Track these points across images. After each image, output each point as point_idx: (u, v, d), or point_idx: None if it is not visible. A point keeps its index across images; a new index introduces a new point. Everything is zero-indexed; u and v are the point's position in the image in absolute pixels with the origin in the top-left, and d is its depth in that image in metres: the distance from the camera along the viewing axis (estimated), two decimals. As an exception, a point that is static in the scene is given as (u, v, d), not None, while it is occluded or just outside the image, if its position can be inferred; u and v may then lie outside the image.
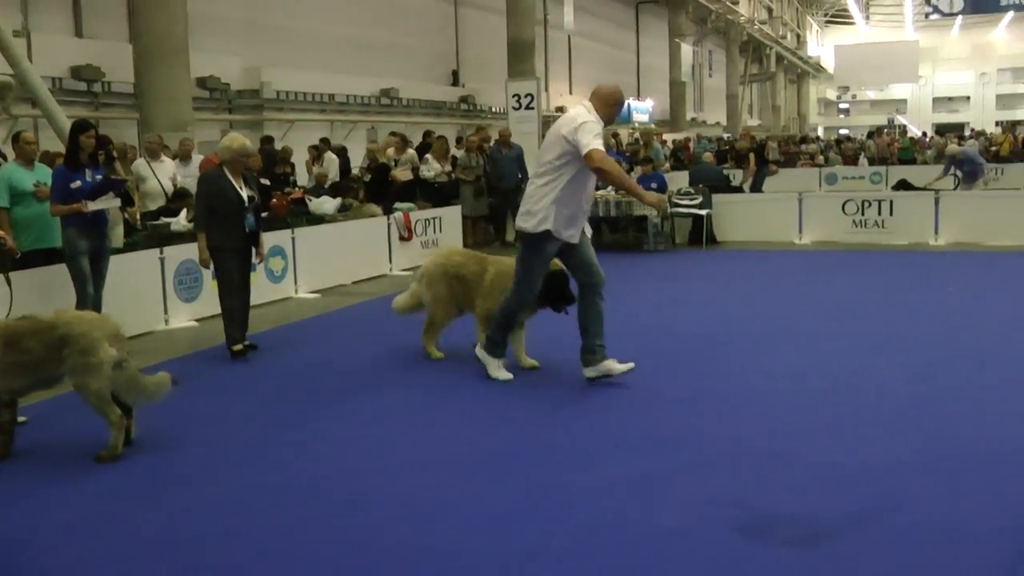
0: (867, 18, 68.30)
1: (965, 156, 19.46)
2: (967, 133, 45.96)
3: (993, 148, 30.57)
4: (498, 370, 7.32)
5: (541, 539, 4.40)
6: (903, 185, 19.86)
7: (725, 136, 39.35)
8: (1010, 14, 57.67)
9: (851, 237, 15.66)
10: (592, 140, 6.61)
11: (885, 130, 47.88)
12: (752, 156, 20.29)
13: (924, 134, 46.02)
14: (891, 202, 15.98)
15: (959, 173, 19.63)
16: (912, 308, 10.08)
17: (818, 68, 68.86)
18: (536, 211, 6.86)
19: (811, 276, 12.68)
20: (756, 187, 19.44)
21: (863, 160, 30.79)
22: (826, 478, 5.07)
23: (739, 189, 18.99)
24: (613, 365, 6.99)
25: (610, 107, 6.99)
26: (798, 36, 65.46)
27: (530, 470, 5.35)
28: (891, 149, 32.09)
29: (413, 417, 6.59)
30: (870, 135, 36.01)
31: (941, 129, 55.95)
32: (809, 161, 30.74)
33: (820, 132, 65.82)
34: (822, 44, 72.33)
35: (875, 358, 7.79)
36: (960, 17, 56.58)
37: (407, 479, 5.25)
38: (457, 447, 5.83)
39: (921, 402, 6.46)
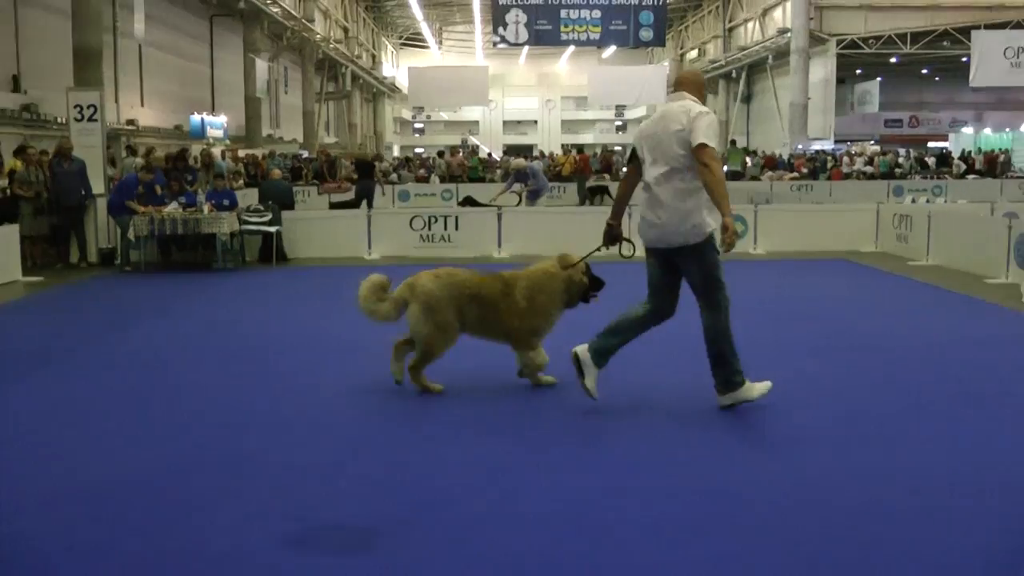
0: (440, 43, 70.74)
1: (531, 170, 20.20)
2: (535, 153, 48.69)
3: (557, 168, 32.29)
4: (752, 388, 6.41)
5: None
6: (469, 202, 20.35)
7: (303, 153, 38.86)
8: (571, 48, 61.90)
9: (419, 252, 15.83)
10: (709, 134, 6.11)
11: (460, 150, 49.70)
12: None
13: (490, 154, 48.18)
14: (457, 217, 16.25)
15: (521, 189, 20.28)
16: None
17: (393, 88, 70.35)
18: (694, 221, 6.19)
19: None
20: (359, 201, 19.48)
21: (435, 178, 31.52)
22: (374, 485, 5.09)
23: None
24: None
25: (704, 92, 6.59)
26: (374, 57, 66.48)
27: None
28: (461, 168, 33.11)
29: None
30: (440, 154, 37.04)
31: (511, 150, 59.03)
32: (383, 178, 30.94)
33: (396, 151, 67.34)
34: (397, 66, 74.06)
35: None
36: (526, 47, 59.95)
37: None
38: None
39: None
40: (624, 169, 6.81)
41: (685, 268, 6.37)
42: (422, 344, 6.88)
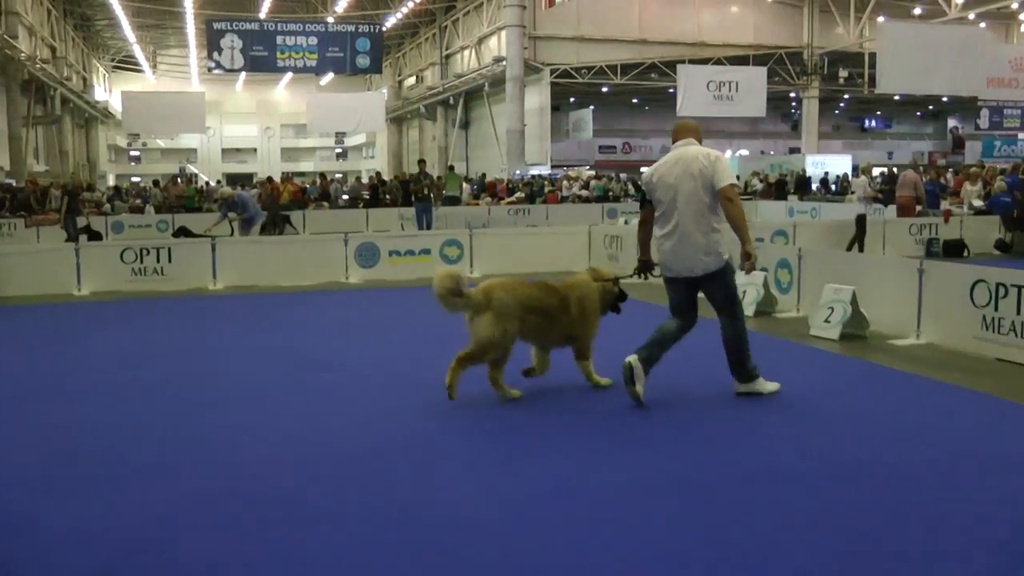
0: (154, 67, 68.51)
1: (239, 199, 19.95)
2: (255, 181, 48.04)
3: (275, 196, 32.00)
4: (765, 384, 7.62)
5: None
6: (183, 232, 19.96)
7: (11, 182, 36.67)
8: (289, 75, 61.48)
9: (132, 286, 15.34)
10: (730, 174, 7.28)
11: (179, 179, 48.28)
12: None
13: (207, 182, 47.18)
14: (169, 249, 15.94)
15: (235, 218, 19.96)
16: (190, 350, 10.14)
17: (107, 114, 67.49)
18: (716, 251, 7.31)
19: (88, 328, 12.12)
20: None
21: (150, 208, 30.64)
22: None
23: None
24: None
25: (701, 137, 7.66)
26: (85, 79, 63.61)
27: None
28: (179, 198, 32.33)
29: None
30: (155, 183, 36.03)
31: (231, 178, 57.92)
32: (95, 209, 29.80)
33: (111, 180, 64.55)
34: (110, 90, 71.07)
35: (148, 401, 7.72)
36: (243, 73, 59.04)
37: None
38: None
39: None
40: (640, 209, 7.93)
41: (709, 291, 7.51)
42: (480, 346, 7.32)
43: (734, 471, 5.76)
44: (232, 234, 19.84)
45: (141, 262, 15.60)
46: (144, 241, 17.65)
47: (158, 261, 15.64)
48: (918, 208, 20.47)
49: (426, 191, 23.85)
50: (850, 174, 39.74)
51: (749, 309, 11.69)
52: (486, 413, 7.17)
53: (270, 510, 5.17)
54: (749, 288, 12.05)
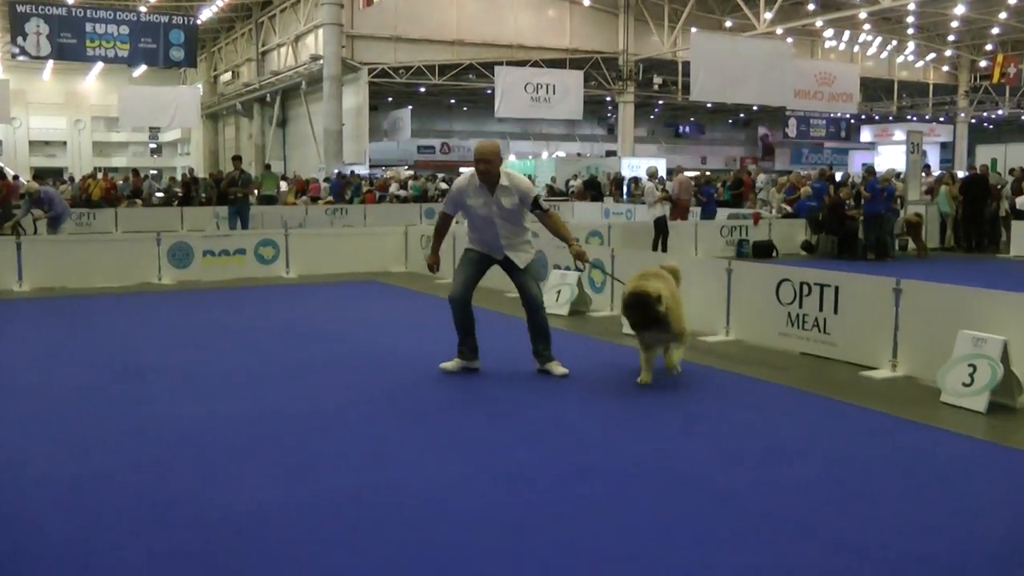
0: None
1: (44, 194, 19.39)
2: (65, 177, 46.38)
3: (85, 195, 31.03)
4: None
5: None
6: (-16, 229, 19.24)
7: None
8: (99, 65, 59.36)
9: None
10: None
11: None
12: None
13: (16, 176, 45.17)
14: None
15: (37, 213, 19.34)
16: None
17: None
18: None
19: None
20: None
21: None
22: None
23: None
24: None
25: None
26: None
27: None
28: None
29: None
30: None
31: (40, 173, 55.66)
32: None
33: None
34: None
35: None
36: (51, 62, 56.70)
37: None
38: None
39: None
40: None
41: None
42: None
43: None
44: (35, 232, 19.25)
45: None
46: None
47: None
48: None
49: (239, 193, 23.28)
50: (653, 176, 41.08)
51: (564, 308, 12.25)
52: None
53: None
54: (564, 288, 12.57)
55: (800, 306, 9.88)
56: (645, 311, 7.82)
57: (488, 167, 8.23)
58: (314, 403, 7.71)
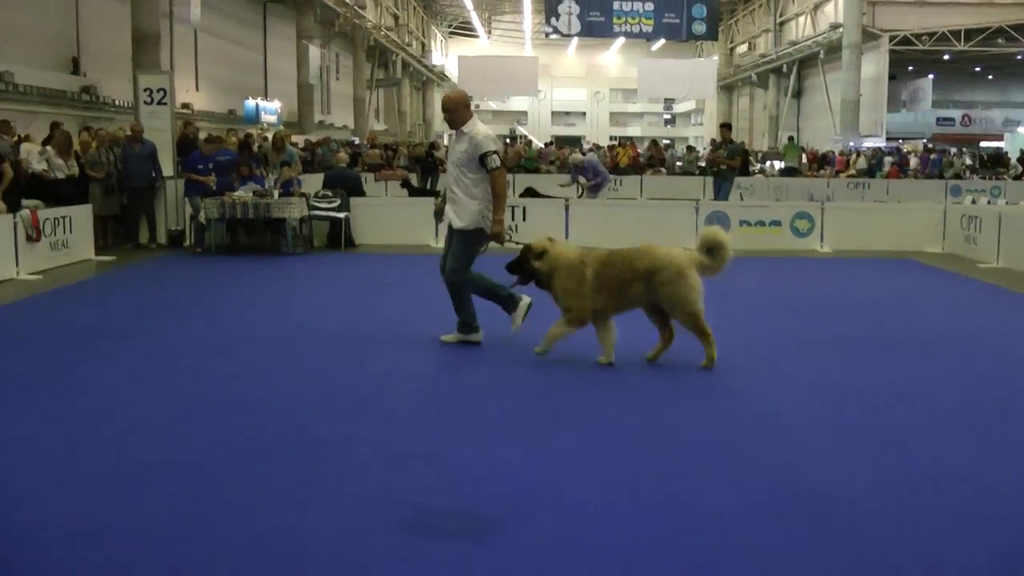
0: (489, 32, 70.80)
1: (589, 164, 20.20)
2: (585, 146, 48.54)
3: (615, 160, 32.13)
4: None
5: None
6: (530, 192, 20.34)
7: (355, 140, 38.99)
8: (620, 40, 61.72)
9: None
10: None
11: (518, 139, 49.58)
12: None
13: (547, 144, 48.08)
14: (524, 208, 16.22)
15: (583, 181, 20.34)
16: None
17: (443, 77, 70.54)
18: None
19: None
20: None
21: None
22: (478, 474, 5.11)
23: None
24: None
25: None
26: (423, 45, 66.65)
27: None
28: (517, 156, 33.02)
29: None
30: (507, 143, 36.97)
31: (559, 141, 58.92)
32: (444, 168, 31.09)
33: (446, 139, 67.33)
34: (446, 54, 74.21)
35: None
36: (576, 39, 59.86)
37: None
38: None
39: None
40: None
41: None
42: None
43: None
44: (580, 196, 20.07)
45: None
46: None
47: (512, 219, 15.83)
48: None
49: (721, 165, 20.24)
50: None
51: None
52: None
53: None
54: None
55: None
56: (518, 258, 7.76)
57: (450, 116, 8.17)
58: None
